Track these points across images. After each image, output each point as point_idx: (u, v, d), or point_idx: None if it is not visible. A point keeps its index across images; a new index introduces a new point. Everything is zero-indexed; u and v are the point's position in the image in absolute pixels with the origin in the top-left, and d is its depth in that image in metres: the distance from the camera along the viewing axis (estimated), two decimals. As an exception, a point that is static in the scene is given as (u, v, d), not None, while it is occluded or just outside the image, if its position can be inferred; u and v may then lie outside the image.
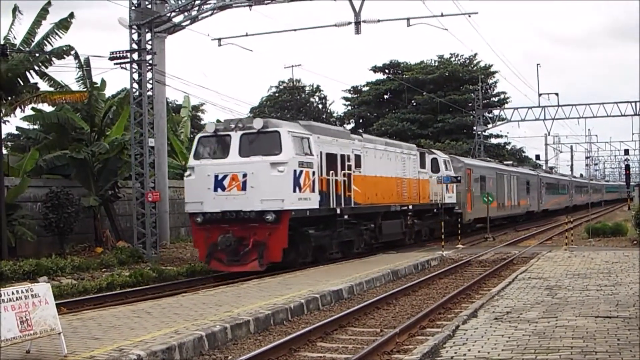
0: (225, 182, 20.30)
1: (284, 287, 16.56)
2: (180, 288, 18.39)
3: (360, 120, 76.18)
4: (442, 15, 29.64)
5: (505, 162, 53.58)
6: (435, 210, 33.02)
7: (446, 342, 10.02)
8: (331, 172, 22.66)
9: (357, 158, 24.90)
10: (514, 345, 9.62)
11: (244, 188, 20.08)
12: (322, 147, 22.26)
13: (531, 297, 14.06)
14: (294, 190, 20.27)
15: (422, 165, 32.01)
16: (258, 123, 20.61)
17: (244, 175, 20.08)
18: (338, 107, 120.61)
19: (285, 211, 20.02)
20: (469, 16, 30.71)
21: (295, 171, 20.34)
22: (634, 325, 10.70)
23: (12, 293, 8.83)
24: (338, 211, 22.83)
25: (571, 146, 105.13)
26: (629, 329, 10.44)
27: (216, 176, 20.37)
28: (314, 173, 21.23)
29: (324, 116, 73.41)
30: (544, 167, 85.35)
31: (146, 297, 15.15)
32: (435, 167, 33.18)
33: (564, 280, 16.64)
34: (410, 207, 29.71)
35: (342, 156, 23.69)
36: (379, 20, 28.96)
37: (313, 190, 21.18)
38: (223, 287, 16.83)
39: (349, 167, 24.03)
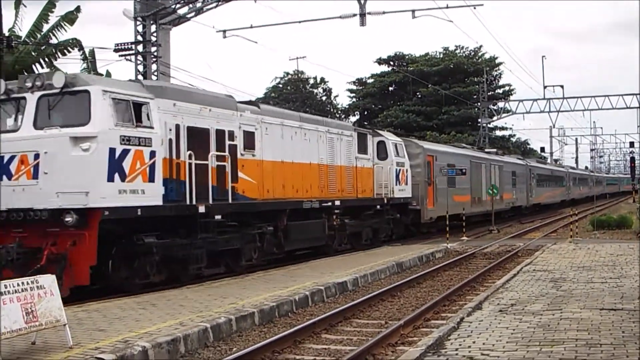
0: (12, 167, 14.26)
1: (289, 279, 16.58)
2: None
3: (365, 113, 76.09)
4: (447, 7, 29.62)
5: (488, 150, 47.95)
6: (379, 206, 26.28)
7: (451, 334, 10.03)
8: (195, 153, 16.20)
9: (249, 136, 18.67)
10: (519, 337, 9.62)
11: (35, 175, 14.04)
12: (178, 118, 16.09)
13: (536, 290, 14.06)
14: (111, 179, 14.08)
15: (362, 150, 25.43)
16: (59, 79, 14.45)
17: (36, 157, 14.01)
18: (343, 99, 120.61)
19: (93, 210, 13.76)
20: (474, 8, 30.69)
21: (112, 150, 14.11)
22: (638, 317, 10.68)
23: (18, 284, 8.85)
24: (202, 209, 16.30)
25: (576, 138, 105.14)
26: (633, 321, 10.43)
27: (1, 158, 14.36)
28: (152, 154, 14.96)
29: (328, 108, 73.33)
30: (547, 158, 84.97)
31: (151, 290, 15.13)
32: (382, 153, 26.96)
33: (568, 273, 16.63)
34: (338, 202, 22.85)
35: (221, 133, 17.46)
36: (384, 12, 28.95)
37: (150, 179, 14.94)
38: (228, 279, 16.84)
39: (233, 149, 17.89)
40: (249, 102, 20.58)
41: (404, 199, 28.36)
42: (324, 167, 22.42)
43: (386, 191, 26.44)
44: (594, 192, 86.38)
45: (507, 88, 77.07)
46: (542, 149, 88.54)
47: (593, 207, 47.02)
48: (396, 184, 27.43)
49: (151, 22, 25.59)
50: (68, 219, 13.55)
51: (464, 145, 43.94)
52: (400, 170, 27.80)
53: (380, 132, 28.43)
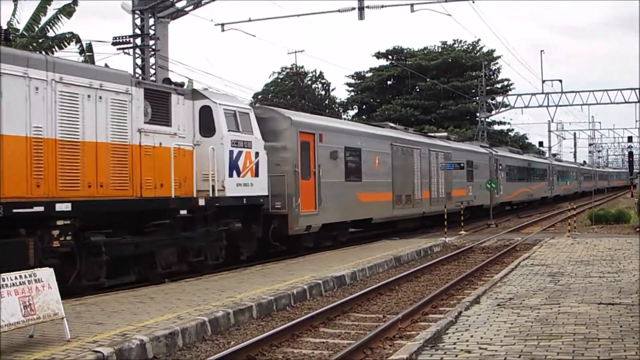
0: None
1: (287, 273, 16.59)
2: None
3: (364, 107, 76.09)
4: (445, 1, 29.57)
5: (435, 135, 39.85)
6: (187, 211, 16.53)
7: (449, 328, 10.03)
8: None
9: None
10: (517, 331, 9.62)
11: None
12: None
13: (534, 284, 14.06)
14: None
15: (159, 118, 16.30)
16: None
17: None
18: (341, 93, 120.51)
19: None
20: (473, 2, 30.65)
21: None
22: (636, 312, 10.69)
23: (16, 278, 8.84)
24: None
25: (574, 133, 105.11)
26: (631, 315, 10.44)
27: None
28: None
29: (326, 102, 73.30)
30: (545, 152, 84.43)
31: (149, 283, 15.14)
32: (207, 124, 17.66)
33: (566, 267, 16.63)
34: (64, 206, 13.31)
35: None
36: (382, 6, 28.95)
37: None
38: (226, 273, 16.85)
39: None
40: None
41: (250, 199, 18.47)
42: (47, 144, 13.27)
43: (218, 185, 17.29)
44: (584, 186, 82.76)
45: (505, 83, 77.07)
46: (541, 144, 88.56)
47: (592, 202, 46.90)
48: (233, 175, 17.78)
49: (149, 15, 25.54)
50: None
51: (390, 125, 32.67)
52: (242, 153, 18.14)
53: (206, 93, 18.46)
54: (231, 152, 17.82)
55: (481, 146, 44.40)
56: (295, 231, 21.02)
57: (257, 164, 18.89)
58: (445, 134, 41.51)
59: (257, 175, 18.87)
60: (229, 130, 17.76)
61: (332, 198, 22.84)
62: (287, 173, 20.71)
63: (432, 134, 39.57)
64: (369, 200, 25.85)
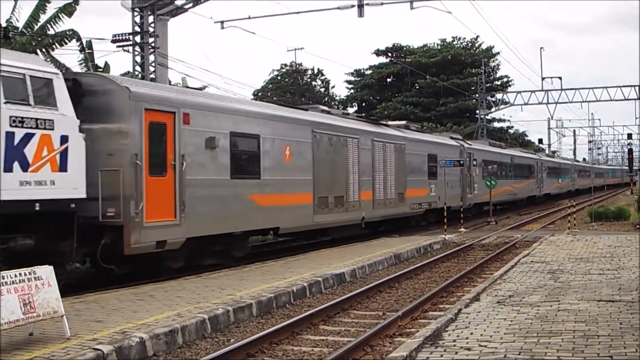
0: None
1: (287, 271, 16.59)
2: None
3: (363, 104, 76.07)
4: (445, -2, 29.51)
5: (385, 123, 31.90)
6: None
7: (449, 326, 10.03)
8: None
9: None
10: (517, 328, 9.63)
11: None
12: None
13: (534, 281, 14.07)
14: None
15: None
16: None
17: None
18: (341, 90, 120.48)
19: None
20: (473, -1, 30.53)
21: None
22: (636, 309, 10.70)
23: (15, 275, 8.84)
24: None
25: (574, 130, 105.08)
26: (631, 312, 10.44)
27: None
28: None
29: (326, 99, 73.28)
30: (545, 149, 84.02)
31: (149, 281, 15.14)
32: None
33: (566, 264, 16.64)
34: None
35: None
36: (382, 3, 28.92)
37: None
38: (225, 271, 16.84)
39: None
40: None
41: (48, 203, 12.81)
42: None
43: None
44: (577, 184, 78.49)
45: (505, 80, 77.06)
46: (540, 141, 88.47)
47: (591, 199, 46.86)
48: (14, 169, 12.27)
49: (149, 13, 25.52)
50: None
51: (322, 108, 26.27)
52: (34, 137, 12.62)
53: None
54: (10, 134, 12.14)
55: (452, 138, 38.72)
56: (136, 249, 14.85)
57: (63, 153, 13.07)
58: (404, 122, 34.09)
59: (63, 169, 13.09)
60: (6, 102, 12.08)
61: (207, 202, 16.77)
62: (123, 166, 14.75)
63: (386, 122, 31.99)
64: (273, 203, 19.53)
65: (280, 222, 20.05)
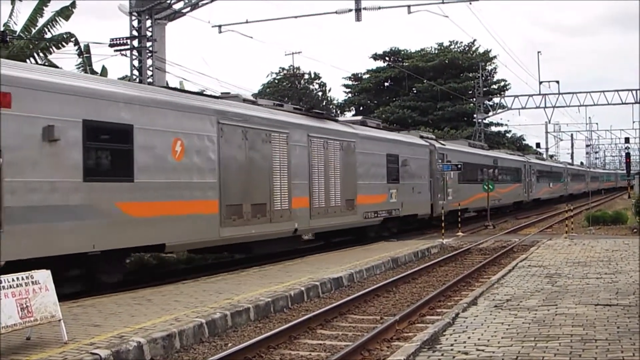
0: None
1: (284, 275, 16.58)
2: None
3: (361, 108, 76.14)
4: (442, 2, 29.60)
5: (340, 119, 28.97)
6: None
7: (446, 330, 10.03)
8: None
9: None
10: (514, 333, 9.63)
11: None
12: None
13: (531, 285, 14.07)
14: None
15: None
16: None
17: None
18: (338, 94, 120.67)
19: None
20: (470, 3, 30.67)
21: None
22: (633, 313, 10.70)
23: (13, 280, 8.83)
24: None
25: (572, 134, 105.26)
26: (628, 316, 10.45)
27: None
28: None
29: (323, 104, 73.32)
30: (542, 153, 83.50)
31: (147, 285, 15.13)
32: None
33: (564, 268, 16.65)
34: None
35: None
36: (379, 8, 28.98)
37: None
38: (223, 275, 16.83)
39: None
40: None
41: None
42: None
43: None
44: (571, 188, 74.63)
45: (502, 83, 77.17)
46: (538, 145, 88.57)
47: (589, 203, 46.85)
48: None
49: (146, 17, 25.55)
50: None
51: (244, 97, 21.38)
52: None
53: None
54: None
55: (422, 137, 34.29)
56: None
57: None
58: (360, 117, 31.63)
59: None
60: None
61: (42, 212, 12.70)
62: None
63: (334, 117, 29.91)
64: (155, 214, 15.29)
65: (167, 237, 15.59)
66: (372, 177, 26.20)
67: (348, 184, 24.01)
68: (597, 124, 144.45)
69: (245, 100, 20.41)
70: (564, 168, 73.95)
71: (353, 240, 25.98)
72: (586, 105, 59.69)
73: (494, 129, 77.74)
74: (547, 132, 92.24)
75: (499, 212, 45.60)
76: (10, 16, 26.17)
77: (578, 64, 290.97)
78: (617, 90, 57.16)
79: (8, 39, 23.81)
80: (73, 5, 26.92)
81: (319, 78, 76.09)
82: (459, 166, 33.72)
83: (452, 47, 77.34)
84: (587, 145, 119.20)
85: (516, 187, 49.94)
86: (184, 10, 27.31)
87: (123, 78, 31.39)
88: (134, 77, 25.60)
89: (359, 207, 24.78)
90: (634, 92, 56.20)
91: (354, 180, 24.55)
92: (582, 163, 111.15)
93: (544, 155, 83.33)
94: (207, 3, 27.06)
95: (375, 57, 77.52)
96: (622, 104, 57.06)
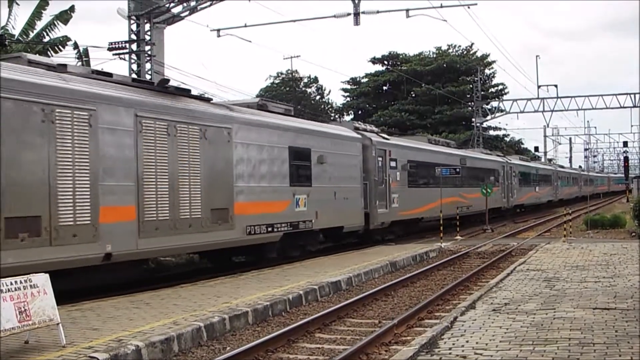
0: None
1: (283, 279, 16.58)
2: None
3: (359, 112, 76.17)
4: (441, 6, 29.66)
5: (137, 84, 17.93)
6: None
7: (444, 334, 10.03)
8: None
9: None
10: (512, 336, 9.63)
11: None
12: None
13: (529, 289, 14.08)
14: None
15: None
16: None
17: None
18: (337, 98, 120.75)
19: None
20: (468, 7, 30.72)
21: None
22: (632, 317, 10.71)
23: (11, 283, 8.83)
24: None
25: (570, 138, 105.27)
26: (627, 320, 10.46)
27: None
28: None
29: (321, 107, 73.37)
30: (541, 157, 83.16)
31: (145, 289, 15.12)
32: None
33: (562, 272, 16.65)
34: None
35: None
36: (378, 12, 28.99)
37: None
38: (222, 279, 16.83)
39: None
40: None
41: None
42: None
43: None
44: (561, 193, 69.37)
45: (500, 87, 77.23)
46: (536, 149, 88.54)
47: (587, 207, 46.88)
48: None
49: (145, 20, 25.56)
50: None
51: (29, 56, 14.68)
52: None
53: None
54: None
55: (356, 129, 27.30)
56: None
57: None
58: (257, 99, 24.29)
59: None
60: None
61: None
62: None
63: (201, 95, 22.88)
64: None
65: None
66: (262, 177, 19.66)
67: (217, 187, 17.78)
68: (595, 127, 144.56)
69: (31, 62, 14.29)
70: (554, 170, 68.19)
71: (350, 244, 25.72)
72: (584, 109, 59.70)
73: (492, 132, 77.78)
74: (545, 136, 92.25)
75: (470, 221, 39.10)
76: (8, 20, 26.22)
77: (576, 68, 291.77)
78: (616, 94, 57.21)
79: (7, 42, 23.85)
80: (72, 9, 26.95)
81: (317, 81, 76.21)
82: (457, 170, 33.04)
83: (450, 51, 77.41)
84: (586, 149, 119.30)
85: (494, 191, 42.28)
86: (183, 14, 27.30)
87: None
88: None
89: (239, 219, 18.39)
90: (632, 96, 56.24)
91: (228, 181, 18.25)
92: (580, 167, 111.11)
93: (542, 159, 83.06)
94: (205, 7, 27.07)
95: (374, 60, 77.59)
96: (621, 107, 57.08)
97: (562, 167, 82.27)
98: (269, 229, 19.69)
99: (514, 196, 48.55)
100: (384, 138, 29.22)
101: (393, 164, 28.87)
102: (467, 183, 38.73)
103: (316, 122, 27.95)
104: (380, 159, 27.49)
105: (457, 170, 33.04)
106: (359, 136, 26.46)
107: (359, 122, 29.16)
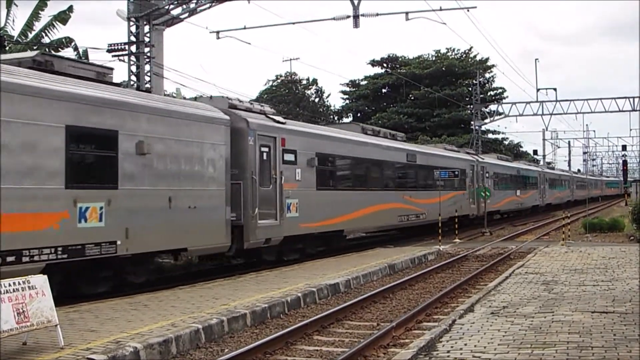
0: None
1: (281, 281, 16.57)
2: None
3: (358, 115, 76.22)
4: (440, 9, 29.63)
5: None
6: None
7: (443, 337, 10.03)
8: None
9: None
10: (510, 340, 9.63)
11: None
12: None
13: (528, 292, 14.08)
14: None
15: None
16: None
17: None
18: (336, 100, 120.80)
19: None
20: (468, 10, 30.70)
21: None
22: (630, 320, 10.72)
23: (9, 285, 8.83)
24: None
25: (569, 141, 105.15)
26: (625, 324, 10.46)
27: None
28: None
29: (321, 110, 73.42)
30: (540, 161, 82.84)
31: (144, 290, 15.12)
32: None
33: (560, 276, 16.66)
34: None
35: None
36: (377, 14, 28.96)
37: None
38: (220, 281, 16.83)
39: None
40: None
41: None
42: None
43: None
44: (551, 198, 63.94)
45: (499, 91, 77.27)
46: (535, 152, 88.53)
47: (586, 210, 46.86)
48: None
49: (144, 22, 25.55)
50: None
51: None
52: None
53: None
54: None
55: (232, 108, 19.80)
56: None
57: None
58: (33, 54, 15.25)
59: None
60: None
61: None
62: None
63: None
64: None
65: None
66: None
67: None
68: (594, 131, 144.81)
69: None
70: (540, 172, 61.21)
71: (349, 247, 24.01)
72: (583, 113, 59.60)
73: (491, 136, 77.81)
74: (544, 140, 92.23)
75: (424, 232, 33.13)
76: (7, 20, 26.23)
77: (574, 73, 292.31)
78: (614, 98, 57.18)
79: (6, 43, 23.87)
80: (70, 9, 26.96)
81: (316, 83, 76.26)
82: (456, 173, 32.66)
83: (449, 54, 77.50)
84: (584, 152, 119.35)
85: (456, 195, 36.18)
86: (182, 16, 27.28)
87: (120, 84, 31.38)
88: (132, 82, 25.60)
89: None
90: (631, 99, 56.25)
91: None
92: (579, 170, 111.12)
93: (541, 162, 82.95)
94: (205, 9, 27.05)
95: (373, 63, 77.70)
96: (620, 111, 57.02)
97: (551, 168, 77.06)
98: (13, 258, 12.34)
99: (488, 201, 40.57)
100: (275, 121, 21.01)
101: (289, 157, 21.12)
102: (419, 185, 31.95)
103: (146, 93, 19.35)
104: (265, 149, 19.99)
105: (456, 173, 32.32)
106: (225, 117, 18.51)
107: (241, 100, 21.10)
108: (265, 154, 19.97)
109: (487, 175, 41.94)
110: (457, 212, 33.44)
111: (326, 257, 22.83)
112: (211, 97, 20.78)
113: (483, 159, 43.38)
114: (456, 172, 33.67)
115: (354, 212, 25.13)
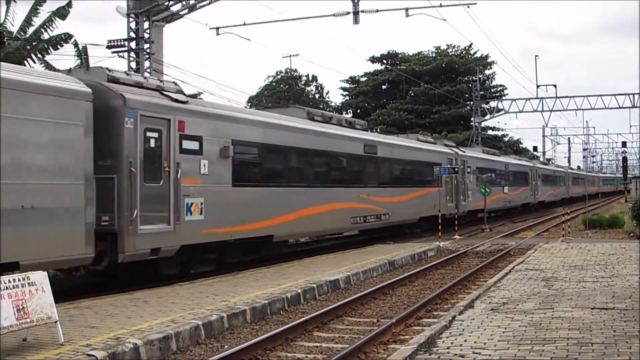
0: None
1: (281, 277, 16.57)
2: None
3: (358, 111, 76.21)
4: (440, 5, 29.67)
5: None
6: None
7: (442, 333, 10.03)
8: None
9: None
10: (510, 336, 9.63)
11: None
12: None
13: (527, 289, 14.07)
14: None
15: None
16: None
17: None
18: (336, 97, 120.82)
19: None
20: (468, 7, 30.74)
21: None
22: (630, 316, 10.72)
23: (9, 281, 8.82)
24: None
25: (569, 138, 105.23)
26: (625, 320, 10.46)
27: None
28: None
29: (320, 106, 73.38)
30: (540, 157, 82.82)
31: (143, 287, 15.11)
32: None
33: (560, 272, 16.65)
34: None
35: None
36: (377, 10, 29.00)
37: None
38: (220, 277, 16.81)
39: None
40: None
41: None
42: None
43: None
44: (545, 195, 61.31)
45: (499, 88, 77.23)
46: (535, 148, 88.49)
47: (585, 207, 46.86)
48: None
49: (144, 18, 25.55)
50: None
51: None
52: None
53: None
54: None
55: (112, 81, 15.18)
56: None
57: None
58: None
59: None
60: None
61: None
62: None
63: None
64: None
65: None
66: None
67: None
68: (594, 127, 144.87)
69: None
70: (531, 167, 56.73)
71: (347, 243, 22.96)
72: (583, 109, 59.68)
73: (491, 132, 77.79)
74: (544, 136, 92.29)
75: (394, 234, 30.06)
76: (6, 17, 26.17)
77: (574, 70, 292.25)
78: (614, 95, 57.23)
79: (5, 39, 23.82)
80: (69, 4, 26.91)
81: (316, 79, 76.24)
82: (456, 169, 32.89)
83: (449, 50, 77.45)
84: (584, 149, 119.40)
85: (430, 192, 32.11)
86: (182, 12, 27.30)
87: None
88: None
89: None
90: (631, 96, 56.28)
91: None
92: (579, 167, 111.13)
93: (541, 159, 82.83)
94: (204, 5, 27.07)
95: (373, 59, 77.61)
96: (619, 108, 57.11)
97: (545, 163, 73.16)
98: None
99: (469, 198, 37.24)
100: (172, 100, 16.25)
101: (191, 145, 16.65)
102: (381, 181, 27.75)
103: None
104: (154, 135, 15.54)
105: (456, 169, 32.23)
106: (85, 89, 13.86)
107: (129, 73, 17.20)
108: (153, 141, 15.46)
109: (468, 170, 37.87)
110: (426, 213, 30.88)
111: (326, 253, 22.82)
112: (88, 67, 17.57)
113: (464, 151, 39.22)
114: (434, 167, 31.44)
115: (287, 214, 20.65)
